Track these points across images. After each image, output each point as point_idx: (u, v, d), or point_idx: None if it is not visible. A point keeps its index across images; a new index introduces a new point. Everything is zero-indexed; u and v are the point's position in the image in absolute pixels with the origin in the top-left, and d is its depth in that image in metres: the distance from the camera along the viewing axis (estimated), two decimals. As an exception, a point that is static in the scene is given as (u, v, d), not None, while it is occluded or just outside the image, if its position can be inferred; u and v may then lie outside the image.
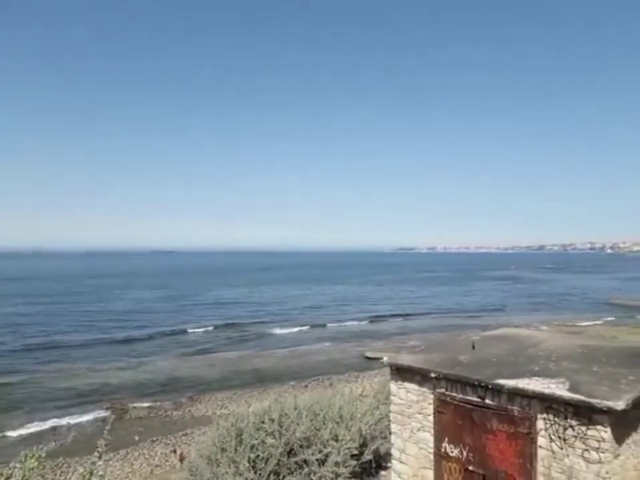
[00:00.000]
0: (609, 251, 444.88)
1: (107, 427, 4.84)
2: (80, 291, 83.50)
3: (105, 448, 4.08)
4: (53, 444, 18.87)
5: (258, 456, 7.88)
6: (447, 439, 7.04)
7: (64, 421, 22.37)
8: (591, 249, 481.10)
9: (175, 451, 18.14)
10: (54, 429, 21.60)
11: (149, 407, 24.25)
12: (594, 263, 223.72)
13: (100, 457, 3.94)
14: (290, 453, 8.13)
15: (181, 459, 15.79)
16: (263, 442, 7.94)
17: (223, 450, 8.13)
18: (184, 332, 45.73)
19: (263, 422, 8.32)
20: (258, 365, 32.98)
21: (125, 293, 79.86)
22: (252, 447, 7.88)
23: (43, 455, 4.10)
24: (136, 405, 24.59)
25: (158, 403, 24.81)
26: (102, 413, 23.27)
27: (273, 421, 8.28)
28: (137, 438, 19.89)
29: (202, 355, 36.60)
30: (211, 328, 47.64)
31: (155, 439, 19.80)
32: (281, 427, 8.18)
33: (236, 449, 7.96)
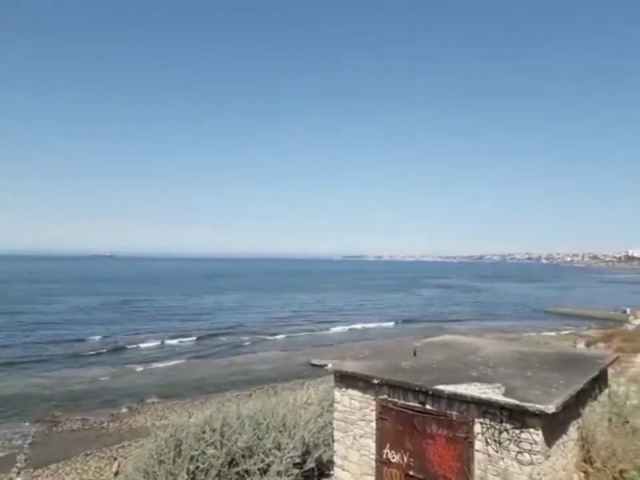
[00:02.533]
0: (545, 261, 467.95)
1: (28, 441, 4.56)
2: (11, 297, 78.64)
3: (25, 463, 3.82)
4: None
5: (198, 467, 7.64)
6: (388, 445, 7.11)
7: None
8: (529, 259, 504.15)
9: (115, 458, 17.53)
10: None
11: (83, 419, 23.12)
12: (530, 272, 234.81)
13: (19, 473, 3.68)
14: (231, 463, 7.93)
15: (116, 473, 15.15)
16: (203, 452, 7.70)
17: (161, 462, 7.83)
18: (123, 341, 44.01)
19: (203, 432, 8.08)
20: (201, 375, 32.22)
21: (60, 300, 75.91)
22: (191, 458, 7.62)
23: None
24: (69, 416, 23.39)
25: (93, 415, 23.71)
26: (32, 426, 21.96)
27: (214, 430, 8.06)
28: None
29: (142, 364, 35.33)
30: (152, 337, 46.11)
31: (89, 452, 18.88)
32: (223, 436, 7.97)
33: (174, 461, 7.68)
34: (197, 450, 7.69)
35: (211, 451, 7.71)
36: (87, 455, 18.64)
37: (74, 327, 51.78)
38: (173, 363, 36.15)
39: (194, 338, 46.39)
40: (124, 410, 24.53)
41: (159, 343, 44.03)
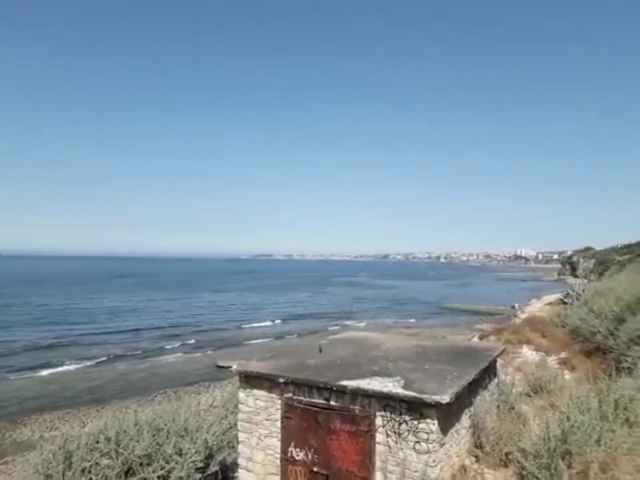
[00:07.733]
0: (443, 260, 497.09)
1: None
2: None
3: None
4: None
5: (91, 479, 7.16)
6: (293, 443, 7.12)
7: None
8: (429, 258, 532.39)
9: None
10: None
11: (-45, 434, 20.72)
12: (430, 270, 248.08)
13: None
14: (128, 472, 7.51)
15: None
16: (97, 463, 7.22)
17: (49, 476, 7.23)
18: (2, 346, 39.82)
19: (97, 442, 7.57)
20: (97, 382, 30.12)
21: None
22: (83, 470, 7.11)
23: None
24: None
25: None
26: None
27: (109, 439, 7.57)
28: None
29: (26, 371, 32.22)
30: (38, 341, 42.12)
31: (-36, 471, 16.97)
32: (119, 445, 7.51)
33: (64, 474, 7.12)
34: (89, 461, 7.19)
35: (105, 461, 7.25)
36: (-39, 475, 16.75)
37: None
38: (65, 369, 33.45)
39: (88, 342, 42.93)
40: (5, 422, 22.33)
41: (46, 347, 40.20)
